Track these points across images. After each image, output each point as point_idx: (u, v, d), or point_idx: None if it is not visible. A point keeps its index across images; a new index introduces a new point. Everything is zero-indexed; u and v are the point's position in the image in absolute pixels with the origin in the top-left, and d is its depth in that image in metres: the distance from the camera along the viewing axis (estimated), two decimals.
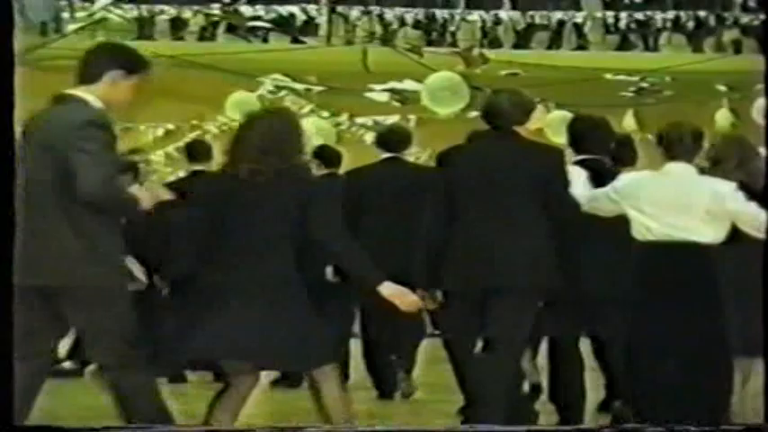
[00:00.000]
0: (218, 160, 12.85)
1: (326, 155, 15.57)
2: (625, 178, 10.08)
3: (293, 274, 8.82)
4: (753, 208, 9.72)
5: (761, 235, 10.06)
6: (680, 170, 9.68)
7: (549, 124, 16.64)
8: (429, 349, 13.95)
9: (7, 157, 6.39)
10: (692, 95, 20.36)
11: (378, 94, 18.95)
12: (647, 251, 9.68)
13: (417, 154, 14.87)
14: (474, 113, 18.37)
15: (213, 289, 8.79)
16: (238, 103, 19.62)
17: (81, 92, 8.52)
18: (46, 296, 8.66)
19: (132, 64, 8.72)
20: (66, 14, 20.61)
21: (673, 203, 9.65)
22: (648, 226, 9.67)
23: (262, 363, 9.03)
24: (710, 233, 9.61)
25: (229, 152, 8.86)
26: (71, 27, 20.26)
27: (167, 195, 8.70)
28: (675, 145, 9.81)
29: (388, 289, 8.84)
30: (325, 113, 19.65)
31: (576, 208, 9.95)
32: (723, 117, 20.53)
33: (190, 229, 9.63)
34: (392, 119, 19.78)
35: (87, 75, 8.60)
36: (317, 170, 15.25)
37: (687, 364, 9.81)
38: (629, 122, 20.48)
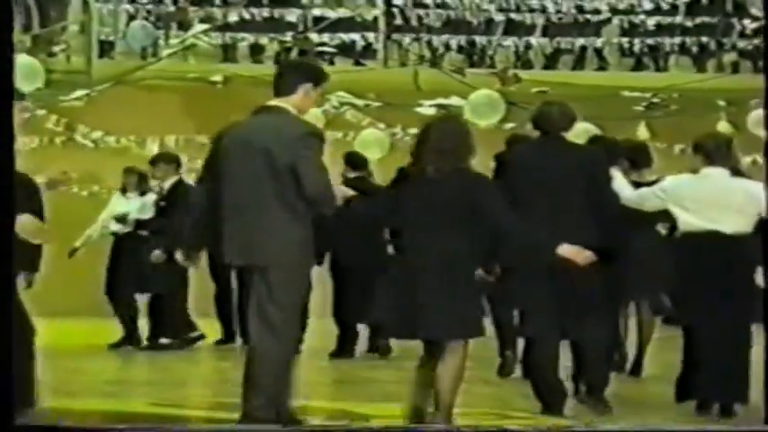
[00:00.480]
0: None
1: (355, 160, 15.77)
2: (670, 180, 10.45)
3: (468, 252, 8.97)
4: None
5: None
6: (716, 173, 10.09)
7: (575, 134, 16.76)
8: None
9: (7, 157, 6.04)
10: (695, 109, 20.42)
11: (426, 108, 18.98)
12: (690, 241, 10.03)
13: None
14: (510, 125, 18.74)
15: (409, 267, 8.96)
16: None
17: (282, 102, 8.93)
18: (262, 271, 8.95)
19: (318, 77, 9.14)
20: (161, 41, 20.77)
21: (711, 201, 10.02)
22: (690, 220, 9.99)
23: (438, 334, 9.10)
24: (741, 225, 9.95)
25: (414, 154, 9.16)
26: (166, 52, 20.37)
27: (351, 192, 9.20)
28: (712, 152, 10.21)
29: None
30: (382, 125, 19.67)
31: (616, 198, 10.20)
32: (723, 128, 20.55)
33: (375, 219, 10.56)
34: None
35: (284, 88, 8.99)
36: (347, 173, 15.51)
37: (728, 339, 10.06)
38: (642, 132, 20.57)
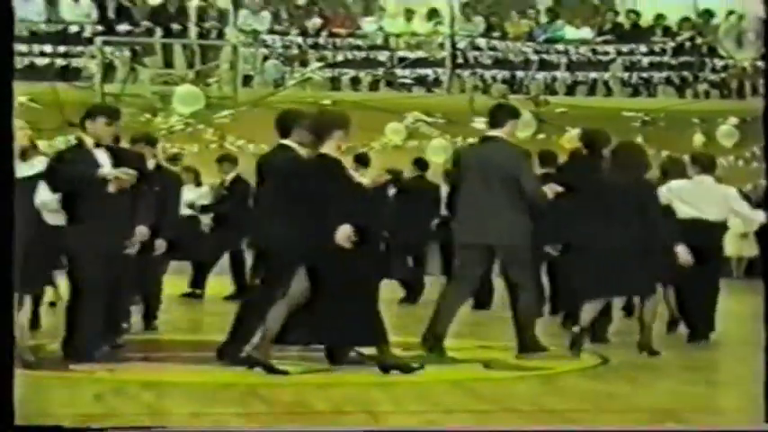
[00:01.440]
0: None
1: (420, 163, 15.87)
2: (675, 183, 10.40)
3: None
4: (746, 208, 10.88)
5: (751, 220, 11.20)
6: (706, 179, 10.32)
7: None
8: None
9: (7, 158, 4.95)
10: (677, 125, 20.59)
11: (478, 124, 19.27)
12: (686, 223, 9.99)
13: None
14: (540, 136, 19.09)
15: (602, 251, 9.11)
16: (393, 131, 19.83)
17: (498, 133, 9.11)
18: (488, 250, 9.19)
19: (515, 116, 9.34)
20: (287, 75, 21.12)
21: (701, 198, 10.26)
22: (687, 211, 10.17)
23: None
24: (718, 215, 10.34)
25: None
26: (290, 83, 20.72)
27: (559, 189, 9.33)
28: (705, 165, 10.48)
29: None
30: (447, 136, 19.90)
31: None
32: (698, 139, 20.74)
33: None
34: None
35: (497, 121, 9.17)
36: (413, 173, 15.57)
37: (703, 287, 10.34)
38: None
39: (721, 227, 10.65)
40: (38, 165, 7.91)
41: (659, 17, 22.63)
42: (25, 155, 7.77)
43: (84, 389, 7.24)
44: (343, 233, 7.61)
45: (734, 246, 20.14)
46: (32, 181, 7.91)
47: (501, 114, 9.23)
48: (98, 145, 8.39)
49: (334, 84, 21.66)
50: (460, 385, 7.55)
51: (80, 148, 8.40)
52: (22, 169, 7.60)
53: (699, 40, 22.14)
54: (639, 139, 20.76)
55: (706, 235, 10.16)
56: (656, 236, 9.20)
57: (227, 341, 8.35)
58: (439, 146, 19.36)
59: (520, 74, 21.93)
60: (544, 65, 22.10)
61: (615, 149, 9.70)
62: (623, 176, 9.25)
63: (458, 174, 9.65)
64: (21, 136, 7.69)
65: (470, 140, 19.81)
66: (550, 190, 9.15)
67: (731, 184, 13.81)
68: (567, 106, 19.97)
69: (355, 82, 21.76)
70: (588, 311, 9.13)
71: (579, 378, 8.13)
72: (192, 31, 21.30)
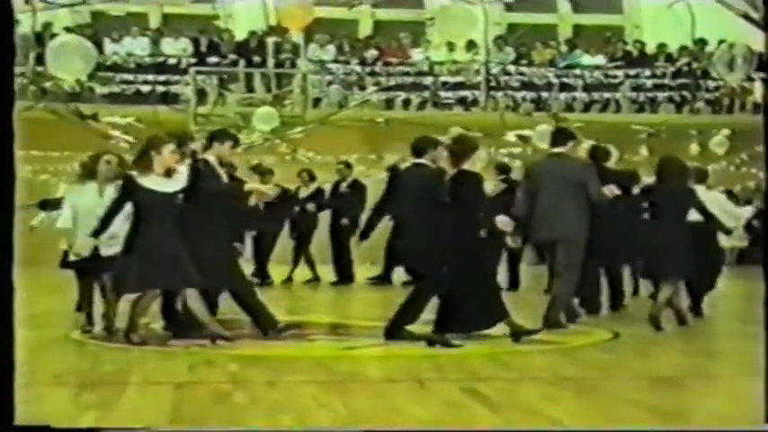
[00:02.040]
0: None
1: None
2: None
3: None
4: (732, 207, 11.11)
5: (739, 217, 11.18)
6: (700, 189, 10.06)
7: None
8: None
9: (7, 158, 4.41)
10: (677, 137, 20.45)
11: (509, 137, 19.27)
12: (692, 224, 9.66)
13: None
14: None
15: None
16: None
17: (561, 149, 9.43)
18: (552, 244, 9.41)
19: (573, 138, 9.63)
20: (349, 97, 21.24)
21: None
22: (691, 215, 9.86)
23: None
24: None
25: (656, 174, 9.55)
26: (351, 104, 20.83)
27: (617, 191, 9.38)
28: (699, 176, 10.52)
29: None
30: (484, 148, 19.80)
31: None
32: (694, 149, 20.65)
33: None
34: (517, 150, 20.14)
35: (559, 142, 9.51)
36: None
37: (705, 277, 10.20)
38: (643, 151, 20.69)
39: (711, 225, 10.41)
40: (181, 181, 7.80)
41: (661, 46, 22.56)
42: (170, 173, 7.75)
43: (180, 360, 7.31)
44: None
45: (726, 238, 20.01)
46: (177, 195, 7.82)
47: (561, 137, 9.57)
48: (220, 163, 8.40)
49: (388, 104, 21.78)
50: (494, 357, 7.51)
51: (207, 165, 8.24)
52: (168, 185, 7.69)
53: (695, 65, 22.04)
54: (644, 149, 20.81)
55: (703, 233, 10.03)
56: (692, 232, 9.39)
57: (394, 321, 8.26)
58: (479, 159, 19.17)
59: (544, 94, 21.95)
60: (564, 87, 22.11)
61: (660, 162, 9.77)
62: (669, 184, 9.37)
63: (532, 181, 9.59)
64: (168, 158, 7.68)
65: (503, 150, 20.15)
66: (609, 191, 9.30)
67: (724, 185, 13.76)
68: (584, 122, 19.23)
69: (406, 103, 21.83)
70: (664, 291, 9.32)
71: (593, 350, 8.07)
72: (270, 61, 21.41)
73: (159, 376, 6.71)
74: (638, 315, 10.91)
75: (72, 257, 8.69)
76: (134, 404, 5.64)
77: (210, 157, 8.32)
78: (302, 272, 15.79)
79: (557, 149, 9.51)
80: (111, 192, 8.28)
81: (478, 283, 8.10)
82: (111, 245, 8.17)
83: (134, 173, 7.75)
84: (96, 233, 8.00)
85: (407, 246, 8.50)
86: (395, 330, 8.13)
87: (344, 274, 15.35)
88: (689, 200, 9.49)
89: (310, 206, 15.44)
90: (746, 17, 10.88)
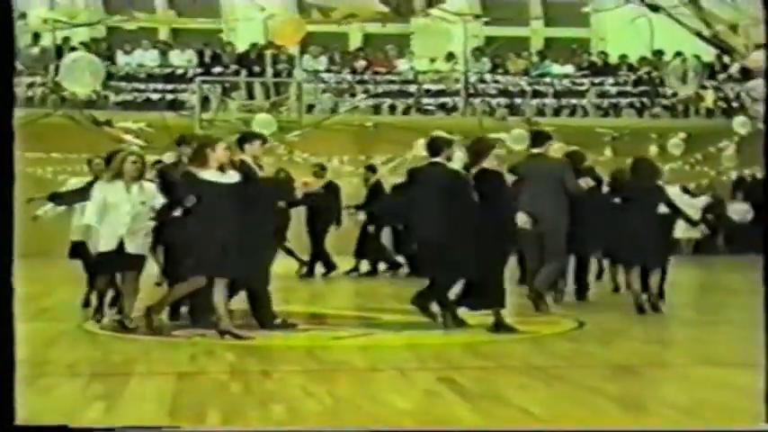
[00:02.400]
0: None
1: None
2: None
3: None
4: (687, 199, 10.82)
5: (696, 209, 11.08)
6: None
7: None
8: None
9: (7, 157, 3.81)
10: (637, 139, 20.47)
11: None
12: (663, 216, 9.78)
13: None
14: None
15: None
16: (420, 145, 19.65)
17: (540, 150, 9.67)
18: (539, 236, 9.46)
19: (548, 140, 9.77)
20: (340, 104, 21.18)
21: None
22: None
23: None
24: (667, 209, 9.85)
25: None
26: (342, 109, 20.75)
27: (591, 182, 9.64)
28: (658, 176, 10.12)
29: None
30: (458, 153, 19.66)
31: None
32: (653, 150, 20.59)
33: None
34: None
35: (538, 143, 9.75)
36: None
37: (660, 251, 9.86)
38: (607, 152, 20.70)
39: (671, 218, 10.36)
40: (234, 176, 7.69)
41: (623, 57, 22.41)
42: (223, 168, 7.62)
43: (183, 350, 7.21)
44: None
45: (683, 231, 19.97)
46: (233, 186, 7.67)
47: (540, 139, 9.83)
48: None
49: (376, 110, 21.57)
50: (470, 347, 7.39)
51: (243, 163, 8.03)
52: (224, 178, 7.59)
53: (654, 74, 21.87)
54: (608, 150, 20.77)
55: (667, 222, 10.14)
56: (665, 225, 9.70)
57: (422, 294, 8.34)
58: (458, 158, 19.09)
59: (517, 101, 21.75)
60: (536, 94, 21.89)
61: (634, 162, 9.80)
62: (641, 182, 9.47)
63: (517, 180, 9.71)
64: (221, 155, 7.58)
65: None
66: (585, 183, 9.46)
67: (680, 182, 13.65)
68: (554, 126, 19.19)
69: (392, 108, 21.62)
70: (635, 279, 9.51)
71: (560, 339, 7.93)
72: (268, 71, 21.28)
73: (162, 367, 6.61)
74: (601, 303, 10.87)
75: (93, 251, 8.50)
76: (138, 395, 5.54)
77: (246, 157, 8.16)
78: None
79: (536, 150, 9.71)
80: (136, 189, 8.19)
81: (494, 270, 8.04)
82: (134, 240, 8.13)
83: (191, 168, 7.65)
84: (155, 219, 8.05)
85: (425, 237, 8.38)
86: (420, 301, 8.27)
87: (329, 266, 15.03)
88: (659, 195, 9.58)
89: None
90: (699, 35, 10.80)
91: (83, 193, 8.74)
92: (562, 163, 9.84)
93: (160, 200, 8.10)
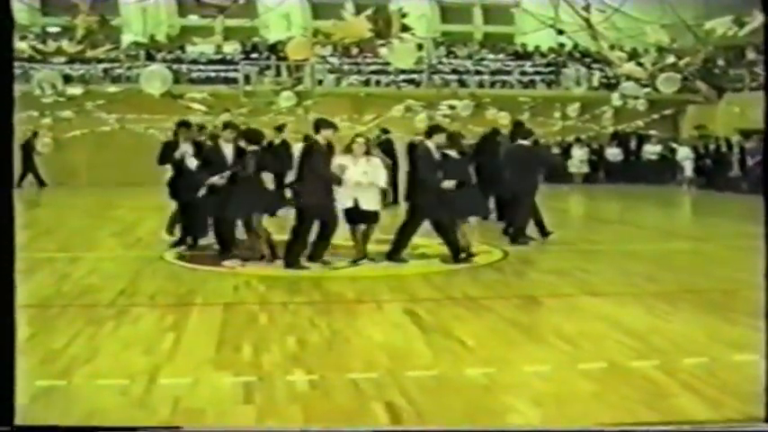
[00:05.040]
0: None
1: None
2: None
3: None
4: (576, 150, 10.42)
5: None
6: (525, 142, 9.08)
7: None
8: None
9: (7, 157, 2.93)
10: (547, 106, 19.83)
11: (443, 107, 18.68)
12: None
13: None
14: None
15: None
16: (396, 110, 18.45)
17: (522, 141, 8.94)
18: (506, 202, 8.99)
19: (531, 134, 9.18)
20: (341, 79, 20.71)
21: None
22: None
23: None
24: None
25: None
26: (343, 84, 20.37)
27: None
28: (526, 134, 9.20)
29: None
30: (425, 113, 19.42)
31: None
32: (556, 114, 20.24)
33: None
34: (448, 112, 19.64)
35: (521, 136, 9.02)
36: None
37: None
38: (525, 116, 20.07)
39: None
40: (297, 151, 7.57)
41: (537, 47, 21.76)
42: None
43: (228, 281, 6.87)
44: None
45: (576, 166, 20.14)
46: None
47: (521, 131, 9.11)
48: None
49: (366, 84, 20.78)
50: (427, 278, 6.86)
51: (316, 143, 7.56)
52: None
53: (559, 59, 21.31)
54: (526, 114, 20.37)
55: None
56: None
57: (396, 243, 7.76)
58: (420, 118, 18.69)
59: (465, 77, 21.00)
60: (477, 73, 21.05)
61: (514, 127, 9.32)
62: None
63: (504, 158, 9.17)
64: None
65: (439, 113, 19.59)
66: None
67: (575, 134, 12.76)
68: (490, 96, 19.26)
69: (377, 83, 20.80)
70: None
71: (489, 270, 7.23)
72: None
73: (214, 297, 6.23)
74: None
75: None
76: (195, 326, 5.32)
77: (320, 138, 7.62)
78: None
79: (520, 142, 8.97)
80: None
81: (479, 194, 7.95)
82: (222, 183, 7.58)
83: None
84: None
85: (419, 187, 7.80)
86: (393, 254, 7.67)
87: None
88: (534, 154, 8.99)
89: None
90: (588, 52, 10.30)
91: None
92: (535, 148, 9.31)
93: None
